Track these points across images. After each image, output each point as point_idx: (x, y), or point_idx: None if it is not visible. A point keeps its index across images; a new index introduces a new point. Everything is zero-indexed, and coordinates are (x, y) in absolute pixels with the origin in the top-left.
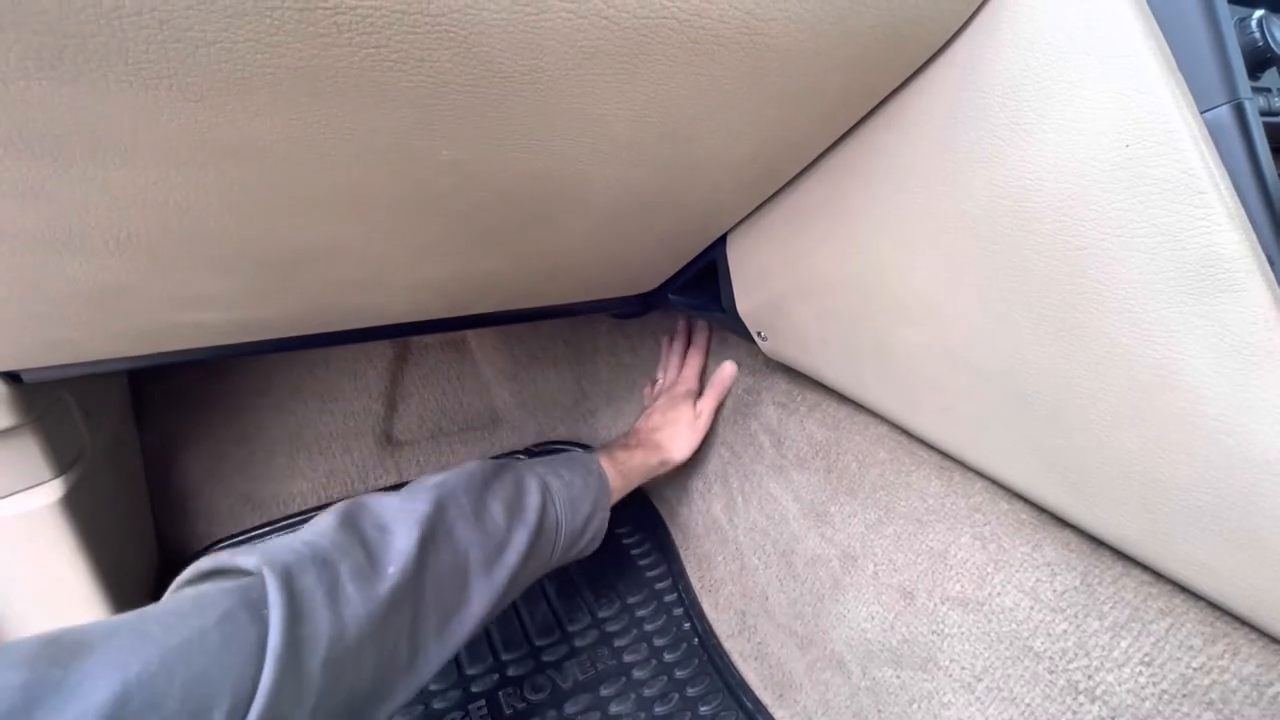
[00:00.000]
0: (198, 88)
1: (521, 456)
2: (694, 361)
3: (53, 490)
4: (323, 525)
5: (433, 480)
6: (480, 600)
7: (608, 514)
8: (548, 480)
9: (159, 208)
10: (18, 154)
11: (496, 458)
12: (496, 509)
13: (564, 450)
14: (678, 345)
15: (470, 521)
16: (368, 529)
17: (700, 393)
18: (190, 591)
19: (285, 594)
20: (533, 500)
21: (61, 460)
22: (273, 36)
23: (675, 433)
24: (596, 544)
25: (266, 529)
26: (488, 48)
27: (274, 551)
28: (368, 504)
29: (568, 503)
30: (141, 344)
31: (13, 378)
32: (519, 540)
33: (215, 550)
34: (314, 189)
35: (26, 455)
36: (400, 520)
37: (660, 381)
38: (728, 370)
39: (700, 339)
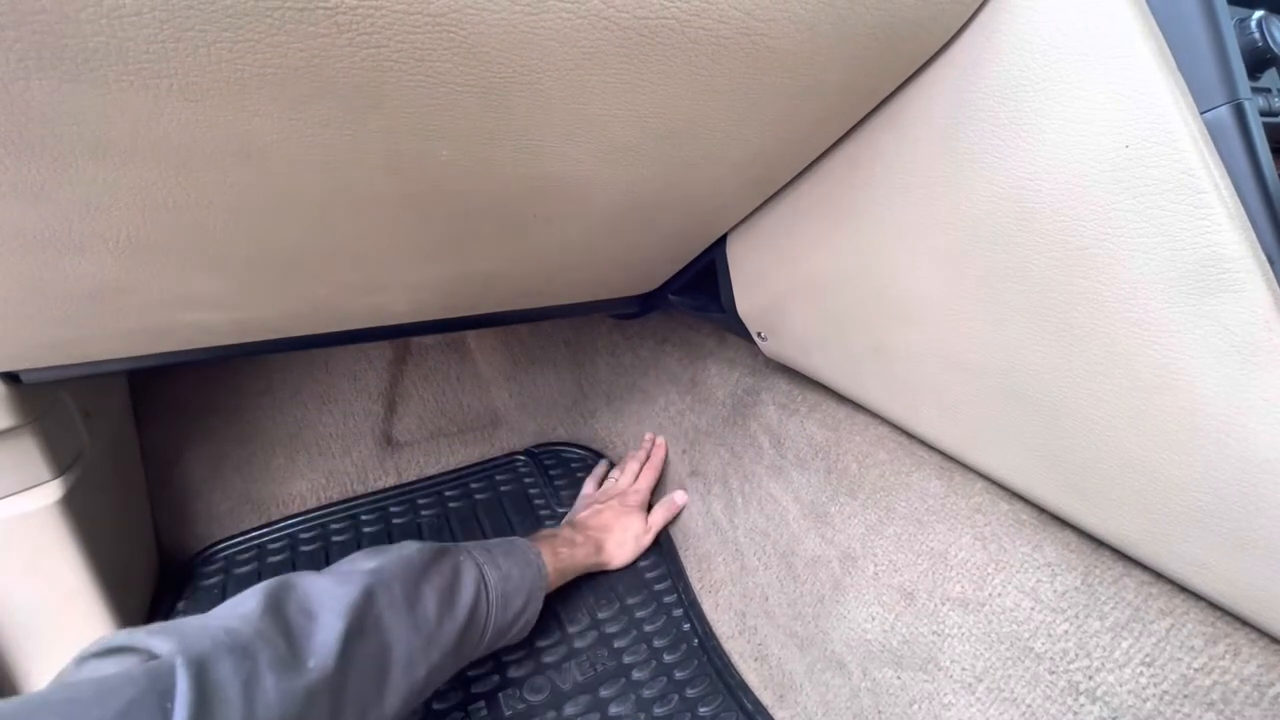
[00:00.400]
0: (198, 88)
1: (521, 457)
2: (649, 476)
3: (52, 491)
4: (246, 609)
5: (369, 564)
6: (397, 697)
7: (540, 607)
8: (485, 571)
9: (159, 208)
10: (18, 154)
11: (495, 458)
12: (430, 598)
13: (562, 450)
14: (640, 455)
15: (400, 612)
16: (293, 614)
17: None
18: (95, 675)
19: (195, 687)
20: (466, 593)
21: (61, 461)
22: (273, 36)
23: (623, 540)
24: (524, 635)
25: (266, 529)
26: (487, 48)
27: (191, 637)
28: (297, 585)
29: (501, 596)
30: (141, 344)
31: (12, 378)
32: (447, 635)
33: (215, 548)
34: (314, 189)
35: (26, 456)
36: (328, 607)
37: (611, 480)
38: (679, 498)
39: (657, 457)
